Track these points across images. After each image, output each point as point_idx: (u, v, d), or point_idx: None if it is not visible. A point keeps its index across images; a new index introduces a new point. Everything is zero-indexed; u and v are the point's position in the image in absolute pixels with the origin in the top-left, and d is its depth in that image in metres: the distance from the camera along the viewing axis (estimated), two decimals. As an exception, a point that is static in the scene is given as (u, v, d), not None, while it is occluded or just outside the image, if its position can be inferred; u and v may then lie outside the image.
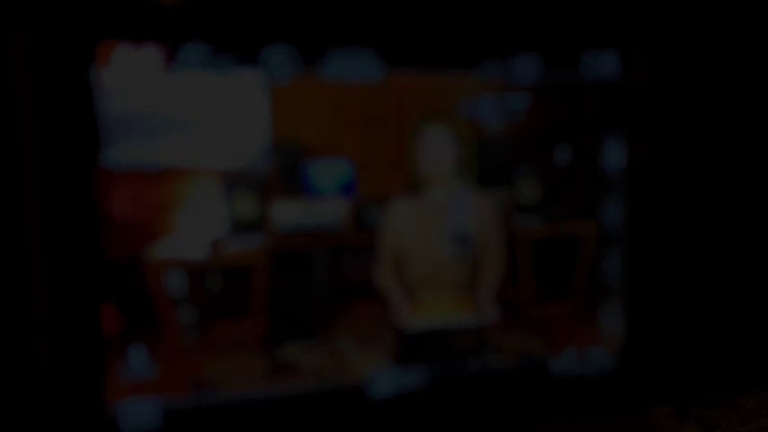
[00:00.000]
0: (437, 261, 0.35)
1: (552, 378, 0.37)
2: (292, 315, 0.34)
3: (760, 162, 0.40)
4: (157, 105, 0.31)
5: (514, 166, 0.37)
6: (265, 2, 0.31)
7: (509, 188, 0.36)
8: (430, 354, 0.35)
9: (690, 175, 0.38)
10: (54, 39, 0.29)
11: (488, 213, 0.36)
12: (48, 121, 0.29)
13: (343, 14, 0.32)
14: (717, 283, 0.40)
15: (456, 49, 0.35)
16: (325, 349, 0.34)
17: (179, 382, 0.32)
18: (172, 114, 0.31)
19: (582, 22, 0.36)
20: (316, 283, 0.34)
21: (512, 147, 0.36)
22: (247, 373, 0.33)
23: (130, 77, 0.30)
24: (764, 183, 0.40)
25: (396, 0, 0.33)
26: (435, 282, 0.36)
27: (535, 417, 0.37)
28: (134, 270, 0.31)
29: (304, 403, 0.33)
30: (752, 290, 0.41)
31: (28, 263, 0.29)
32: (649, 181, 0.38)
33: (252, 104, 0.32)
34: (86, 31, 0.29)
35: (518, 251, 0.37)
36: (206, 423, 0.32)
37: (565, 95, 0.37)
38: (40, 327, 0.29)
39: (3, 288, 0.29)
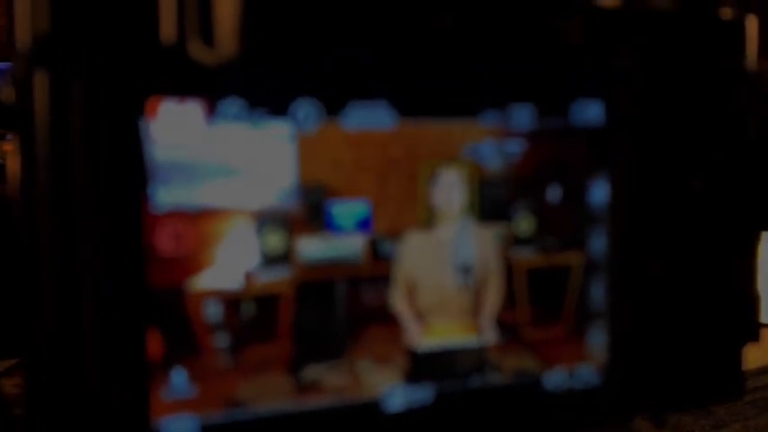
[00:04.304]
0: (444, 289, 0.40)
1: (545, 392, 0.41)
2: (315, 338, 0.38)
3: (733, 194, 0.45)
4: (199, 153, 0.35)
5: (511, 204, 0.41)
6: (294, 63, 0.35)
7: (507, 223, 0.41)
8: (437, 372, 0.39)
9: (666, 209, 0.43)
10: (108, 92, 0.32)
11: (489, 246, 0.40)
12: (100, 164, 0.32)
13: (360, 73, 0.37)
14: (691, 304, 0.44)
15: (460, 100, 0.39)
16: (345, 369, 0.38)
17: (214, 399, 0.36)
18: (211, 161, 0.35)
19: (570, 76, 0.40)
20: (337, 309, 0.38)
21: (509, 186, 0.41)
22: (275, 391, 0.37)
23: (175, 129, 0.34)
24: (737, 211, 0.45)
25: (406, 59, 0.37)
26: (443, 307, 0.40)
27: (530, 427, 0.41)
28: (176, 299, 0.35)
29: (326, 417, 0.37)
30: (721, 310, 0.45)
31: (81, 293, 0.32)
32: (630, 215, 0.42)
33: (281, 152, 0.36)
34: (136, 86, 0.33)
35: (515, 279, 0.41)
36: (238, 436, 0.36)
37: (556, 140, 0.41)
38: (91, 349, 0.33)
39: (62, 315, 0.32)
